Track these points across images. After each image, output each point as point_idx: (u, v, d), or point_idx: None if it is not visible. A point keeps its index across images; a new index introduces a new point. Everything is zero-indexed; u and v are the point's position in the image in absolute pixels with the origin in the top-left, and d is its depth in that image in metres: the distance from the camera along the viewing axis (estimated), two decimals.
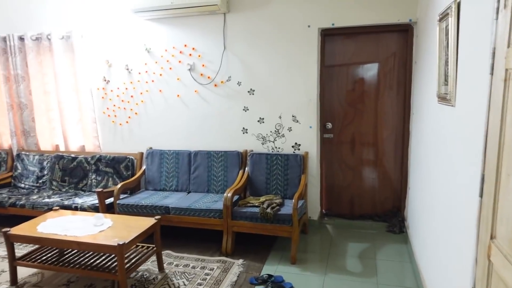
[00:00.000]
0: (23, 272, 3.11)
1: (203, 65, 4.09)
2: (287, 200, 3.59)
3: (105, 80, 4.42)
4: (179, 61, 4.14)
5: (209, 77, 4.08)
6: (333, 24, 3.67)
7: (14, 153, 4.79)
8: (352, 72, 3.86)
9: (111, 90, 4.43)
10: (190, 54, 4.10)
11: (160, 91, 4.26)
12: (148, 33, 4.19)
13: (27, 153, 4.67)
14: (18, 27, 4.61)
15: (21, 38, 4.56)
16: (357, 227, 3.93)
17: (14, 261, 2.96)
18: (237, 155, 3.93)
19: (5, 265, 3.27)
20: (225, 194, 3.38)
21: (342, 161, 4.02)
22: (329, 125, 3.98)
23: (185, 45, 4.10)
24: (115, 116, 4.47)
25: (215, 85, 4.08)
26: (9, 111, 4.74)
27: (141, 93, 4.33)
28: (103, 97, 4.47)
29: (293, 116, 3.90)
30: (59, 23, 4.47)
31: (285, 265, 3.17)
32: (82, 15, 4.39)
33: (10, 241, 2.93)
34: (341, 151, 4.01)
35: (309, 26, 3.72)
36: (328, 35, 3.82)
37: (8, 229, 2.95)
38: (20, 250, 3.51)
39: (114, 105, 4.45)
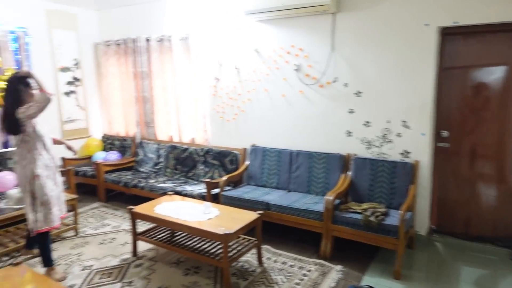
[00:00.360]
0: (142, 246, 3.51)
1: (309, 66, 4.09)
2: (392, 210, 3.41)
3: (216, 79, 4.73)
4: (286, 61, 4.22)
5: (314, 78, 4.08)
6: (455, 23, 3.34)
7: (137, 141, 5.44)
8: (475, 75, 3.47)
9: (221, 88, 4.72)
10: (297, 55, 4.14)
11: (266, 90, 4.39)
12: (258, 34, 4.35)
13: (147, 142, 5.27)
14: (145, 30, 5.20)
15: (147, 40, 5.13)
16: (473, 250, 3.52)
17: (135, 236, 3.38)
18: (339, 158, 3.86)
19: (128, 238, 3.74)
20: (326, 197, 3.35)
21: (458, 173, 3.66)
22: (445, 133, 3.65)
23: (292, 46, 4.16)
24: (224, 112, 4.75)
25: (321, 86, 4.05)
26: (135, 104, 5.40)
27: (248, 92, 4.52)
28: (213, 94, 4.79)
29: (403, 121, 3.67)
30: (179, 27, 4.92)
31: (388, 279, 3.00)
32: (198, 19, 4.75)
33: (134, 218, 3.35)
34: (457, 163, 3.65)
35: (426, 25, 3.45)
36: (448, 34, 3.49)
37: (132, 207, 3.37)
38: (140, 226, 3.97)
39: (223, 102, 4.73)
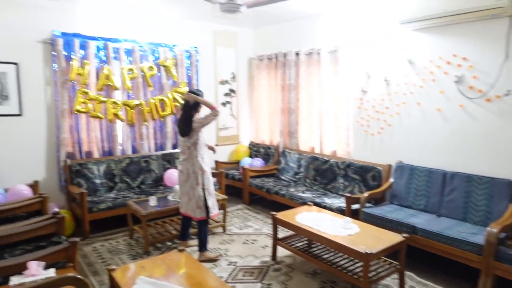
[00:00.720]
0: (281, 251, 3.66)
1: (474, 77, 3.62)
2: None
3: (363, 91, 4.61)
4: (445, 73, 3.83)
5: (480, 91, 3.58)
6: None
7: (280, 150, 5.72)
8: None
9: (367, 101, 4.58)
10: (459, 65, 3.71)
11: (419, 103, 4.07)
12: (412, 44, 4.07)
13: (289, 151, 5.49)
14: (295, 44, 5.45)
15: (297, 54, 5.37)
16: None
17: (276, 241, 3.55)
18: (508, 185, 3.28)
19: (268, 241, 3.96)
20: (489, 228, 2.89)
21: None
22: None
23: (454, 55, 3.75)
24: (368, 126, 4.60)
25: (487, 100, 3.53)
26: (280, 114, 5.70)
27: (397, 105, 4.27)
28: (359, 107, 4.69)
29: None
30: (328, 40, 4.99)
31: None
32: (349, 31, 4.73)
33: (275, 223, 3.52)
34: None
35: None
36: None
37: (275, 213, 3.55)
38: (280, 231, 4.15)
39: (368, 115, 4.58)
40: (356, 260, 3.07)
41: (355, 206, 3.90)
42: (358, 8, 4.60)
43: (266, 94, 6.03)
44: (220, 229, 4.37)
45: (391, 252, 2.88)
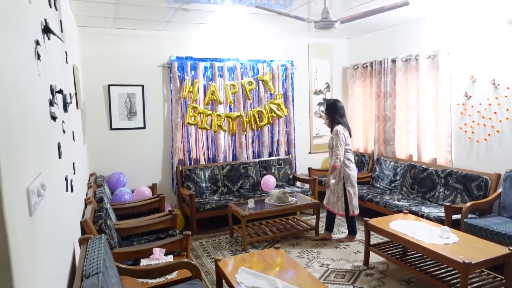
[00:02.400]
0: (373, 257, 3.68)
1: None
2: None
3: (466, 96, 4.35)
4: None
5: None
6: None
7: (375, 157, 5.66)
8: None
9: (472, 106, 4.31)
10: None
11: None
12: None
13: (385, 159, 5.40)
14: (391, 51, 5.38)
15: (393, 61, 5.29)
16: None
17: (368, 246, 3.59)
18: None
19: (361, 247, 4.00)
20: None
21: None
22: None
23: None
24: (473, 132, 4.31)
25: None
26: (375, 122, 5.65)
27: (507, 110, 3.94)
28: (462, 113, 4.43)
29: None
30: (427, 44, 4.83)
31: None
32: (450, 34, 4.53)
33: (368, 229, 3.57)
34: None
35: None
36: None
37: (367, 219, 3.60)
38: (372, 239, 4.15)
39: (473, 121, 4.30)
40: (455, 271, 2.95)
41: (456, 217, 3.70)
42: (460, 10, 4.38)
43: (360, 102, 6.04)
44: (312, 233, 4.54)
45: (495, 265, 2.72)
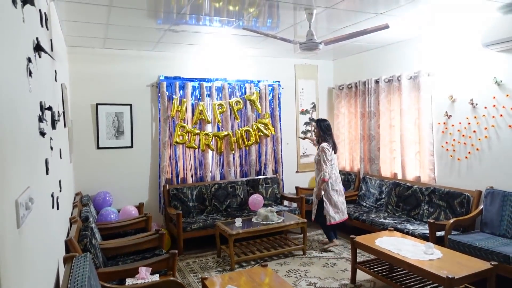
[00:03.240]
0: (360, 275, 3.69)
1: None
2: None
3: (447, 115, 4.51)
4: None
5: None
6: None
7: (361, 176, 5.74)
8: None
9: (452, 125, 4.46)
10: None
11: (510, 126, 3.86)
12: (499, 65, 3.93)
13: (370, 177, 5.49)
14: (375, 72, 5.56)
15: (377, 81, 5.46)
16: None
17: (355, 264, 3.61)
18: None
19: (348, 266, 4.01)
20: None
21: None
22: None
23: None
24: (454, 150, 4.44)
25: None
26: (361, 141, 5.77)
27: (486, 128, 4.09)
28: (443, 132, 4.57)
29: None
30: (408, 66, 5.02)
31: None
32: (430, 55, 4.72)
33: (355, 246, 3.60)
34: None
35: None
36: None
37: (354, 236, 3.64)
38: (359, 256, 4.17)
39: (454, 140, 4.44)
40: (440, 287, 2.99)
41: (440, 233, 3.77)
42: (439, 33, 4.60)
43: (346, 121, 6.17)
44: (300, 252, 4.53)
45: (478, 280, 2.77)
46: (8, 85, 1.15)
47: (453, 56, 4.43)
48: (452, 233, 3.73)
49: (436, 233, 3.77)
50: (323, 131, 4.67)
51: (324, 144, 4.58)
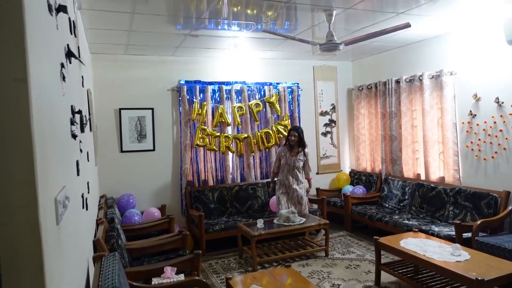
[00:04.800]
0: (384, 277, 3.64)
1: None
2: None
3: (471, 114, 4.41)
4: None
5: None
6: None
7: (383, 177, 5.67)
8: None
9: (477, 124, 4.36)
10: None
11: None
12: None
13: (393, 178, 5.41)
14: (395, 72, 5.49)
15: (397, 81, 5.39)
16: None
17: (379, 266, 3.56)
18: None
19: (371, 267, 3.97)
20: None
21: None
22: None
23: None
24: (479, 150, 4.34)
25: None
26: (382, 142, 5.70)
27: None
28: (467, 131, 4.47)
29: None
30: (430, 65, 4.93)
31: None
32: (453, 54, 4.63)
33: (378, 247, 3.56)
34: None
35: None
36: None
37: (377, 237, 3.59)
38: (383, 258, 4.12)
39: (479, 139, 4.33)
40: None
41: (467, 235, 3.68)
42: (461, 31, 4.51)
43: (366, 122, 6.11)
44: (322, 253, 4.51)
45: (508, 283, 2.69)
46: (47, 89, 1.21)
47: (477, 54, 4.33)
48: (479, 235, 3.63)
49: (463, 234, 3.69)
50: (301, 137, 4.97)
51: (306, 150, 5.04)
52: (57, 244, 1.17)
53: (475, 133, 4.38)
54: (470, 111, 4.42)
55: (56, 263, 1.12)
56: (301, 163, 5.01)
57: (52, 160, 1.21)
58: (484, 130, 4.28)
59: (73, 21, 2.30)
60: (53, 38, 1.45)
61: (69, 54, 1.82)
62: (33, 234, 0.90)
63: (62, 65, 1.60)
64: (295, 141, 4.95)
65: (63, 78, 1.58)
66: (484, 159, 4.29)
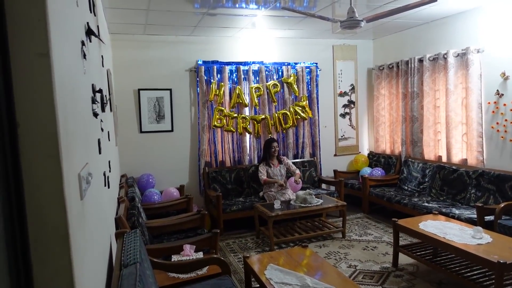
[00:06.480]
0: (402, 259, 3.63)
1: None
2: None
3: (498, 94, 4.25)
4: None
5: None
6: None
7: (402, 159, 5.58)
8: None
9: (504, 104, 4.20)
10: None
11: None
12: None
13: (413, 160, 5.31)
14: (418, 51, 5.31)
15: (420, 60, 5.22)
16: None
17: (397, 247, 3.54)
18: None
19: (389, 249, 3.95)
20: None
21: None
22: None
23: None
24: (506, 131, 4.19)
25: None
26: (402, 123, 5.58)
27: None
28: (493, 112, 4.32)
29: None
30: (455, 43, 4.74)
31: None
32: (480, 30, 4.44)
33: (397, 229, 3.53)
34: None
35: None
36: None
37: (396, 219, 3.56)
38: (401, 240, 4.09)
39: (506, 120, 4.18)
40: (489, 273, 2.88)
41: (489, 218, 3.61)
42: (488, 6, 4.30)
43: (386, 103, 5.98)
44: (339, 235, 4.51)
45: None
46: (69, 65, 1.22)
47: (505, 30, 4.14)
48: (502, 218, 3.55)
49: (485, 217, 3.61)
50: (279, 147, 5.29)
51: (282, 157, 5.29)
52: (81, 218, 1.20)
53: (502, 113, 4.23)
54: (497, 90, 4.26)
55: (80, 235, 1.15)
56: (285, 171, 5.16)
57: (75, 136, 1.23)
58: (511, 110, 4.13)
59: None
60: (74, 15, 1.45)
61: (89, 32, 1.83)
62: (59, 206, 0.92)
63: (83, 43, 1.61)
64: (277, 151, 5.15)
65: (84, 56, 1.59)
66: (510, 140, 4.15)
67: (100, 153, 2.03)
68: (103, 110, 2.43)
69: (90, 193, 1.44)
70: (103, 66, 2.93)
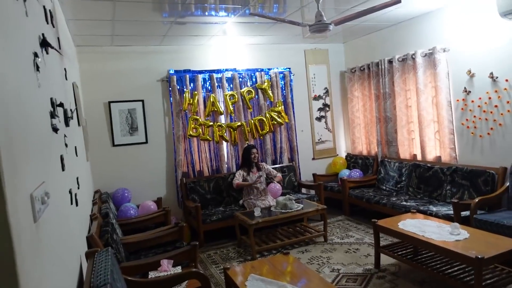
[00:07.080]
0: (384, 259, 3.62)
1: None
2: None
3: (466, 91, 4.35)
4: None
5: None
6: None
7: (379, 159, 5.63)
8: None
9: (472, 101, 4.30)
10: None
11: None
12: None
13: (389, 160, 5.37)
14: (387, 52, 5.40)
15: (390, 61, 5.31)
16: None
17: (379, 248, 3.54)
18: None
19: (370, 250, 3.95)
20: None
21: None
22: None
23: None
24: (475, 127, 4.29)
25: None
26: (377, 124, 5.64)
27: (508, 102, 3.93)
28: (462, 109, 4.42)
29: None
30: (423, 43, 4.85)
31: None
32: (444, 31, 4.55)
33: (377, 230, 3.53)
34: None
35: None
36: None
37: (376, 220, 3.56)
38: (382, 240, 4.09)
39: (475, 116, 4.29)
40: (469, 268, 2.90)
41: (465, 213, 3.66)
42: (452, 6, 4.42)
43: (360, 105, 6.04)
44: (321, 239, 4.48)
45: (509, 260, 2.67)
46: (14, 79, 1.12)
47: (469, 28, 4.25)
48: (477, 213, 3.61)
49: (461, 213, 3.67)
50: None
51: (261, 163, 5.31)
52: (35, 243, 1.10)
53: (470, 110, 4.33)
54: (465, 88, 4.36)
55: (34, 263, 1.05)
56: (264, 178, 5.13)
57: (24, 154, 1.13)
58: (479, 106, 4.23)
59: (49, 10, 2.19)
60: (21, 25, 1.36)
61: (44, 44, 1.73)
62: (1, 233, 0.83)
63: (36, 55, 1.51)
64: (257, 157, 5.16)
65: (37, 68, 1.49)
66: (480, 136, 4.25)
67: (63, 169, 1.92)
68: (67, 124, 2.32)
69: (48, 214, 1.34)
70: (66, 79, 2.81)
